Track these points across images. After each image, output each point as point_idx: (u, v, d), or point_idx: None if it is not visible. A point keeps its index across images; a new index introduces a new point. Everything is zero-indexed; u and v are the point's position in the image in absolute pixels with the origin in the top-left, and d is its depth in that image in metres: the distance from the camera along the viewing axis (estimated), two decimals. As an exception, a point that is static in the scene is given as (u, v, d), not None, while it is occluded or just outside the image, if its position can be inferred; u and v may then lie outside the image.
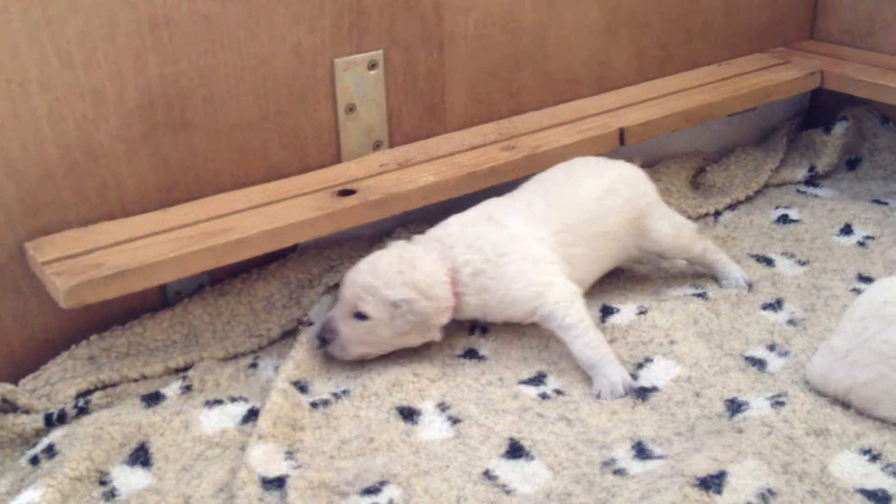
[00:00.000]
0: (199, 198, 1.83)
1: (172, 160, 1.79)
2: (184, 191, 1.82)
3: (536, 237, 1.82)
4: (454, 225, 1.83)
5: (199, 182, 1.83)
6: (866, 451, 1.52)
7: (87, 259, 1.61)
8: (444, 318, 1.76)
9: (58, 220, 1.69)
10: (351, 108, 1.98)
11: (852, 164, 2.60)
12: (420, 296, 1.70)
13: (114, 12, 1.65)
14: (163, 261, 1.62)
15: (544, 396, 1.71)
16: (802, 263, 2.12)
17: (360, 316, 1.71)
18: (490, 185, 2.00)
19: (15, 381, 1.64)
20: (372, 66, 1.99)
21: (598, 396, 1.69)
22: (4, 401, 1.57)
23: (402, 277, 1.70)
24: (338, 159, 2.01)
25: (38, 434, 1.57)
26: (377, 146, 2.05)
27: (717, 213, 2.38)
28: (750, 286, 2.02)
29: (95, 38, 1.64)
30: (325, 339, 1.75)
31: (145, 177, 1.77)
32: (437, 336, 1.77)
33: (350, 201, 1.84)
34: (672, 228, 2.00)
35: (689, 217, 2.35)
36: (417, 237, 1.83)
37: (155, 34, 1.70)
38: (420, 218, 2.08)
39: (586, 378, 1.75)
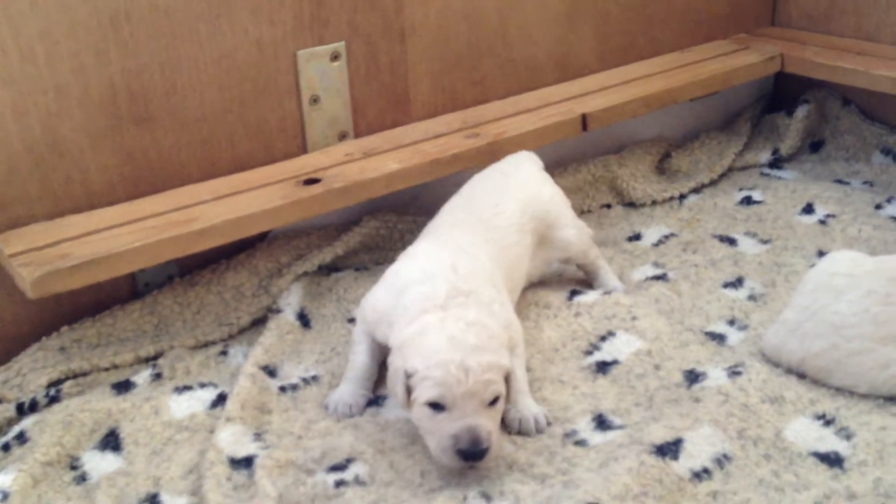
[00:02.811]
0: (165, 190, 1.86)
1: (137, 153, 1.82)
2: (150, 183, 1.85)
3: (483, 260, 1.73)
4: (448, 273, 1.60)
5: (164, 174, 1.86)
6: (820, 417, 1.56)
7: (53, 250, 1.64)
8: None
9: (24, 214, 1.72)
10: (315, 100, 2.02)
11: (815, 146, 2.65)
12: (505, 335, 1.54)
13: (74, 8, 1.68)
14: (128, 250, 1.66)
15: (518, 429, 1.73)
16: (764, 242, 2.16)
17: (494, 401, 1.46)
18: (454, 171, 2.04)
19: (-14, 374, 1.67)
20: (335, 57, 2.02)
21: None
22: (-25, 392, 1.60)
23: (499, 341, 1.50)
24: (303, 150, 2.04)
25: (10, 423, 1.60)
26: (342, 137, 2.09)
27: (682, 197, 2.42)
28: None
29: (57, 34, 1.68)
30: (481, 456, 1.42)
31: (111, 170, 1.80)
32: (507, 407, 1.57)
33: (315, 189, 1.87)
34: (576, 231, 1.94)
35: (654, 201, 2.39)
36: (453, 307, 1.53)
37: (116, 29, 1.73)
38: (387, 206, 2.11)
39: (551, 358, 1.78)
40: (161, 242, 1.68)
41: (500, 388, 1.45)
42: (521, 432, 1.57)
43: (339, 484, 1.47)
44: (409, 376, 1.46)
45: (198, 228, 1.72)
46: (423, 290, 1.56)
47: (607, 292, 1.93)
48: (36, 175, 1.72)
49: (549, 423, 1.59)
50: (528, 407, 1.59)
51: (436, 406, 1.43)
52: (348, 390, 1.64)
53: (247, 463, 1.51)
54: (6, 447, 1.53)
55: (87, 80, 1.72)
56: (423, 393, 1.43)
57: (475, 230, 1.77)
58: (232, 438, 1.55)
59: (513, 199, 1.85)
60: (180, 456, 1.54)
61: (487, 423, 1.42)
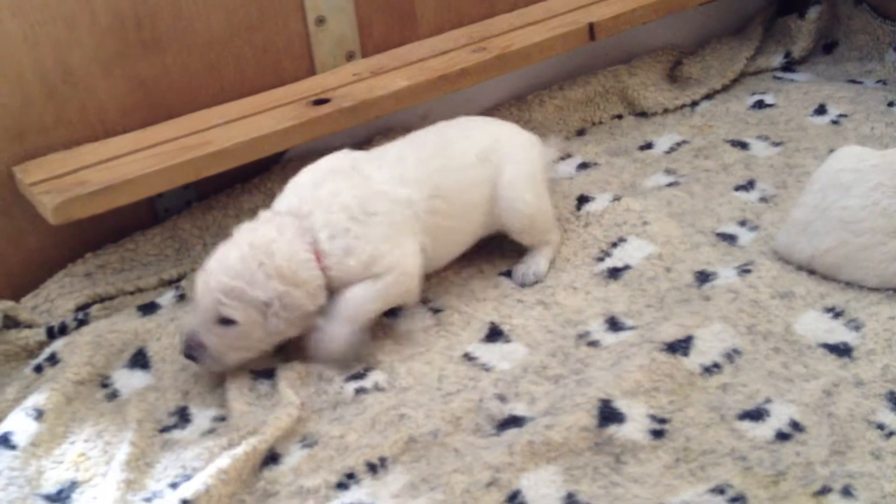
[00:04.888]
0: (177, 116, 1.88)
1: (148, 80, 1.84)
2: (162, 110, 1.87)
3: (405, 198, 1.62)
4: (306, 187, 1.61)
5: (175, 100, 1.88)
6: (830, 310, 1.59)
7: (72, 178, 1.68)
8: (320, 300, 1.55)
9: (42, 144, 1.75)
10: (321, 20, 2.02)
11: (828, 47, 2.62)
12: (288, 285, 1.49)
13: (77, -65, 1.69)
14: (144, 175, 1.69)
15: (523, 284, 1.77)
16: (776, 144, 2.16)
17: (227, 322, 1.49)
18: (462, 87, 2.04)
19: (16, 300, 1.72)
20: (339, -24, 2.02)
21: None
22: (6, 317, 1.66)
23: (265, 270, 1.48)
24: (312, 72, 2.05)
25: (41, 346, 1.66)
26: (350, 57, 2.09)
27: (694, 104, 2.41)
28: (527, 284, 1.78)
29: (61, -38, 1.69)
30: (193, 357, 1.52)
31: (123, 97, 1.82)
32: (316, 321, 1.56)
33: (324, 109, 1.89)
34: (533, 212, 1.76)
35: (666, 110, 2.39)
36: (265, 214, 1.58)
37: (119, -45, 1.74)
38: (398, 125, 2.13)
39: (563, 267, 1.80)
40: (176, 166, 1.72)
41: (234, 313, 1.48)
42: (318, 358, 1.57)
43: (360, 391, 1.52)
44: None
45: (211, 151, 1.75)
46: (283, 197, 1.63)
47: (525, 278, 1.77)
48: (51, 105, 1.75)
49: (356, 357, 1.57)
50: (334, 332, 1.55)
51: None
52: None
53: (269, 374, 1.57)
54: (39, 368, 1.59)
55: (94, 8, 1.74)
56: None
57: (423, 155, 1.68)
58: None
59: (486, 132, 1.78)
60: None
61: (205, 336, 1.50)
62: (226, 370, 1.55)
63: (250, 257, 1.49)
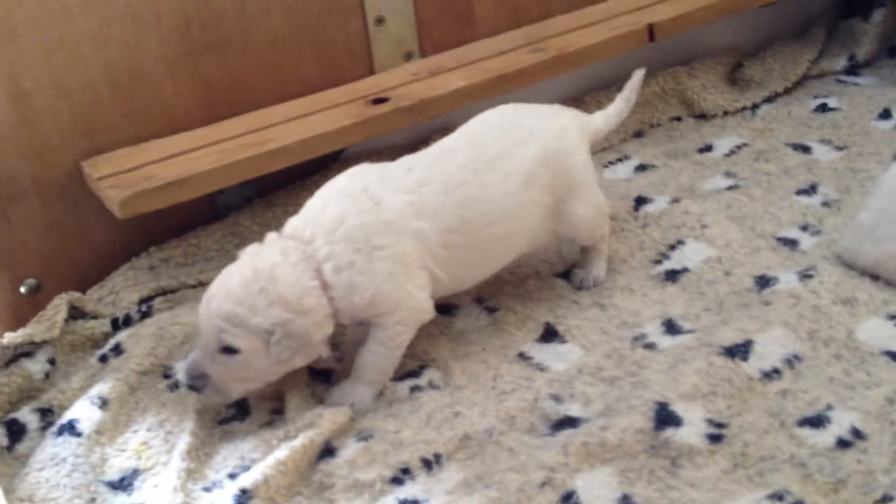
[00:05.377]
0: (239, 114, 1.91)
1: (212, 78, 1.88)
2: (225, 108, 1.91)
3: (416, 231, 1.50)
4: (314, 208, 1.51)
5: (238, 99, 1.92)
6: (893, 317, 1.56)
7: (138, 173, 1.72)
8: (327, 329, 1.47)
9: (109, 140, 1.80)
10: (380, 20, 2.04)
11: (893, 51, 2.56)
12: (292, 312, 1.40)
13: (147, -64, 1.73)
14: (208, 171, 1.73)
15: (580, 287, 1.77)
16: (839, 149, 2.12)
17: (229, 350, 1.42)
18: (520, 87, 2.05)
19: (83, 291, 1.77)
20: (399, -24, 2.04)
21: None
22: (73, 308, 1.71)
23: (267, 296, 1.39)
24: (370, 71, 2.07)
25: (106, 337, 1.70)
26: (408, 56, 2.11)
27: (755, 107, 2.38)
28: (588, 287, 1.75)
29: (131, -38, 1.73)
30: (195, 387, 1.46)
31: (187, 95, 1.86)
32: (324, 352, 1.48)
33: (383, 109, 1.91)
34: (594, 216, 1.70)
35: (726, 112, 2.36)
36: (271, 236, 1.51)
37: (186, -45, 1.78)
38: (456, 124, 2.13)
39: (620, 269, 1.79)
40: (238, 163, 1.75)
41: (236, 341, 1.40)
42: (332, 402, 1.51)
43: (415, 389, 1.54)
44: None
45: (272, 149, 1.78)
46: (294, 217, 1.53)
47: (584, 283, 1.74)
48: (118, 102, 1.79)
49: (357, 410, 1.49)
50: (361, 394, 1.51)
51: None
52: None
53: (325, 374, 1.59)
54: (104, 358, 1.63)
55: (161, 8, 1.78)
56: None
57: (451, 183, 1.54)
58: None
59: (534, 145, 1.62)
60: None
61: (207, 365, 1.42)
62: (228, 402, 1.50)
63: (252, 282, 1.40)
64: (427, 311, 1.53)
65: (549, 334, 1.64)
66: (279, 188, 2.01)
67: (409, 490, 1.33)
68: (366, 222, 1.47)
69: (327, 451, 1.41)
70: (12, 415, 1.54)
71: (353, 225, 1.46)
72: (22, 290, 1.79)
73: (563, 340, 1.63)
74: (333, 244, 1.45)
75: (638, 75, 1.86)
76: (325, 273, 1.44)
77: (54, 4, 1.68)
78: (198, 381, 1.44)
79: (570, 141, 1.68)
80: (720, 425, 1.38)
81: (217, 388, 1.44)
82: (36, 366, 1.62)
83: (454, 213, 1.53)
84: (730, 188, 2.01)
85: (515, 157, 1.60)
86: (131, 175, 1.71)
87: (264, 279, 1.40)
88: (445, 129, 2.12)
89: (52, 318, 1.66)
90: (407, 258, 1.49)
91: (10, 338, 1.62)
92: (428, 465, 1.37)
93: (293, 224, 1.51)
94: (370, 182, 1.53)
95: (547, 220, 1.64)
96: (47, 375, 1.63)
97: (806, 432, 1.36)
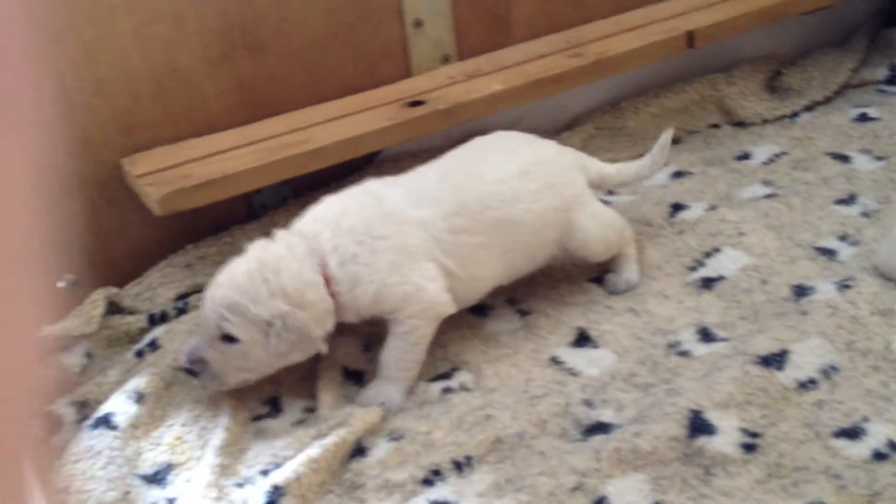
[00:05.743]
0: (277, 114, 1.93)
1: (251, 79, 1.90)
2: (263, 108, 1.92)
3: (419, 220, 1.52)
4: (320, 207, 1.56)
5: (276, 100, 1.93)
6: (933, 329, 1.54)
7: (177, 171, 1.74)
8: (328, 325, 1.48)
9: (149, 138, 1.82)
10: (418, 23, 2.05)
11: (937, 60, 2.53)
12: (293, 305, 1.42)
13: (190, -61, 1.75)
14: (245, 170, 1.74)
15: (613, 291, 1.76)
16: (880, 159, 2.10)
17: (229, 339, 1.44)
18: (556, 91, 2.05)
19: (120, 287, 1.79)
20: (437, -20, 2.05)
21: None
22: (111, 303, 1.73)
23: (269, 287, 1.42)
24: (407, 74, 2.08)
25: (142, 332, 1.72)
26: (446, 60, 2.12)
27: (794, 115, 2.36)
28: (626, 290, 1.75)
29: (174, -37, 1.75)
30: (193, 372, 1.48)
31: (227, 96, 1.88)
32: (322, 348, 1.48)
33: (419, 111, 1.91)
34: (603, 229, 1.69)
35: (765, 120, 2.34)
36: (279, 232, 1.53)
37: (228, -42, 1.80)
38: (492, 128, 2.13)
39: (654, 275, 1.79)
40: (276, 163, 1.77)
41: (236, 329, 1.42)
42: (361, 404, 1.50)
43: (446, 391, 1.54)
44: None
45: (310, 149, 1.79)
46: (299, 219, 1.56)
47: (617, 286, 1.74)
48: (158, 101, 1.82)
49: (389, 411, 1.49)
50: (390, 394, 1.50)
51: None
52: None
53: (358, 375, 1.59)
54: (140, 354, 1.65)
55: (203, 9, 1.80)
56: None
57: (446, 171, 1.61)
58: (345, 350, 1.63)
59: (528, 150, 1.67)
60: (298, 364, 1.63)
61: (207, 352, 1.45)
62: (224, 390, 1.51)
63: (256, 273, 1.43)
64: (442, 303, 1.53)
65: (582, 339, 1.64)
66: (315, 189, 2.01)
67: (439, 491, 1.33)
68: (367, 215, 1.51)
69: (359, 451, 1.42)
70: (49, 407, 1.56)
71: (356, 218, 1.50)
72: (60, 284, 1.81)
73: (596, 345, 1.62)
74: (338, 237, 1.48)
75: (666, 136, 1.83)
76: (330, 267, 1.47)
77: (99, 4, 1.71)
78: (195, 366, 1.47)
79: (567, 160, 1.71)
80: (754, 434, 1.36)
81: (214, 375, 1.47)
82: (73, 359, 1.65)
83: (452, 197, 1.55)
84: (768, 196, 1.99)
85: (510, 152, 1.66)
86: (170, 173, 1.73)
87: (268, 271, 1.43)
88: (481, 133, 2.12)
89: (89, 312, 1.68)
90: (412, 249, 1.50)
91: (48, 331, 1.65)
92: (459, 467, 1.37)
93: (300, 223, 1.54)
94: (370, 183, 1.60)
95: (553, 226, 1.64)
96: (84, 369, 1.65)
97: (841, 443, 1.34)
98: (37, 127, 0.49)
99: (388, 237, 1.49)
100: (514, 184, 1.60)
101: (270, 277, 1.43)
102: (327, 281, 1.47)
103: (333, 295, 1.47)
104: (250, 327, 1.42)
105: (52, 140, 0.49)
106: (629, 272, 1.75)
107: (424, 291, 1.50)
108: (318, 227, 1.50)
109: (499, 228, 1.58)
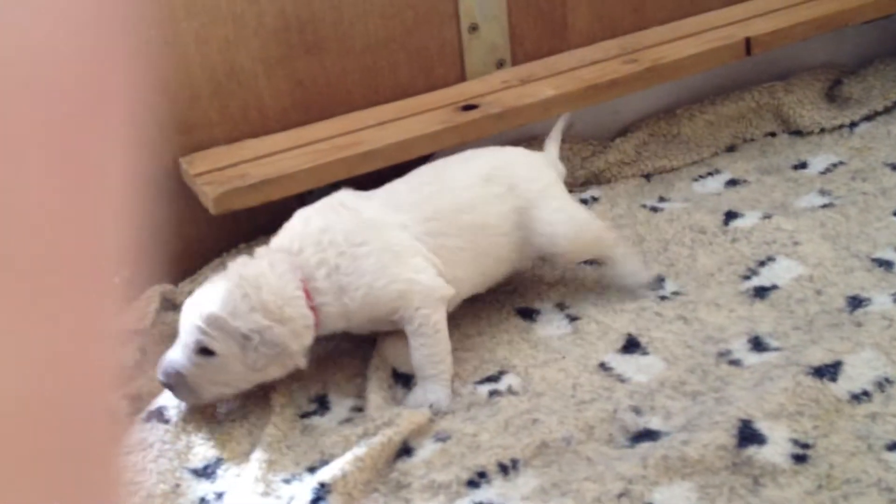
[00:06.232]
0: (332, 116, 1.95)
1: (307, 81, 1.92)
2: (319, 110, 1.95)
3: (399, 223, 1.56)
4: (297, 224, 1.57)
5: (332, 101, 1.96)
6: None
7: (232, 171, 1.78)
8: (306, 341, 1.49)
9: (206, 138, 1.86)
10: (474, 28, 2.06)
11: None
12: (273, 321, 1.44)
13: (250, -58, 1.79)
14: (299, 171, 1.77)
15: (663, 298, 1.75)
16: (942, 170, 2.05)
17: (206, 352, 1.45)
18: (611, 97, 2.04)
19: (174, 284, 1.83)
20: (493, -15, 2.06)
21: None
22: (165, 300, 1.76)
23: (249, 302, 1.43)
24: (462, 78, 2.09)
25: (195, 328, 1.75)
26: (500, 64, 2.12)
27: (853, 125, 2.31)
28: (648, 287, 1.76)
29: (234, -33, 1.79)
30: (168, 385, 1.48)
31: (283, 97, 1.91)
32: (301, 363, 1.50)
33: (472, 115, 1.92)
34: (570, 223, 1.67)
35: (823, 129, 2.30)
36: (260, 250, 1.54)
37: (287, -39, 1.83)
38: (544, 133, 2.13)
39: (706, 283, 1.77)
40: (329, 164, 1.79)
41: (214, 343, 1.42)
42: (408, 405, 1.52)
43: (493, 394, 1.54)
44: None
45: (363, 151, 1.81)
46: (276, 237, 1.58)
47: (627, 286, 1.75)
48: (216, 101, 1.85)
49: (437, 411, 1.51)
50: (437, 394, 1.52)
51: None
52: None
53: (406, 378, 1.60)
54: (193, 349, 1.68)
55: (262, 10, 1.83)
56: None
57: (415, 183, 1.65)
58: (395, 352, 1.64)
59: (490, 154, 1.73)
60: (347, 363, 1.65)
61: (183, 364, 1.45)
62: (201, 404, 1.51)
63: (236, 288, 1.44)
64: (441, 287, 1.55)
65: (631, 345, 1.63)
66: (366, 190, 2.04)
67: (484, 493, 1.33)
68: (347, 227, 1.53)
69: (405, 451, 1.42)
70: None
71: (337, 230, 1.52)
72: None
73: (645, 352, 1.61)
74: (322, 252, 1.50)
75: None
76: (316, 280, 1.49)
77: (161, 5, 1.74)
78: (171, 379, 1.46)
79: (532, 159, 1.75)
80: (805, 446, 1.34)
81: (190, 388, 1.47)
82: (127, 354, 1.68)
83: (426, 204, 1.60)
84: (824, 206, 1.96)
85: (471, 162, 1.70)
86: (226, 172, 1.77)
87: (249, 286, 1.44)
88: (533, 138, 2.13)
89: (144, 308, 1.72)
90: (395, 249, 1.53)
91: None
92: (504, 469, 1.37)
93: (278, 241, 1.55)
94: (344, 198, 1.62)
95: (521, 227, 1.65)
96: (137, 363, 1.68)
97: (894, 457, 1.31)
98: (132, 129, 0.50)
99: (369, 242, 1.52)
100: (478, 190, 1.64)
101: (250, 293, 1.44)
102: (310, 295, 1.49)
103: (316, 308, 1.49)
104: (228, 341, 1.43)
105: (138, 141, 0.51)
106: (625, 266, 1.75)
107: (417, 283, 1.52)
108: (299, 244, 1.52)
109: (473, 233, 1.61)
